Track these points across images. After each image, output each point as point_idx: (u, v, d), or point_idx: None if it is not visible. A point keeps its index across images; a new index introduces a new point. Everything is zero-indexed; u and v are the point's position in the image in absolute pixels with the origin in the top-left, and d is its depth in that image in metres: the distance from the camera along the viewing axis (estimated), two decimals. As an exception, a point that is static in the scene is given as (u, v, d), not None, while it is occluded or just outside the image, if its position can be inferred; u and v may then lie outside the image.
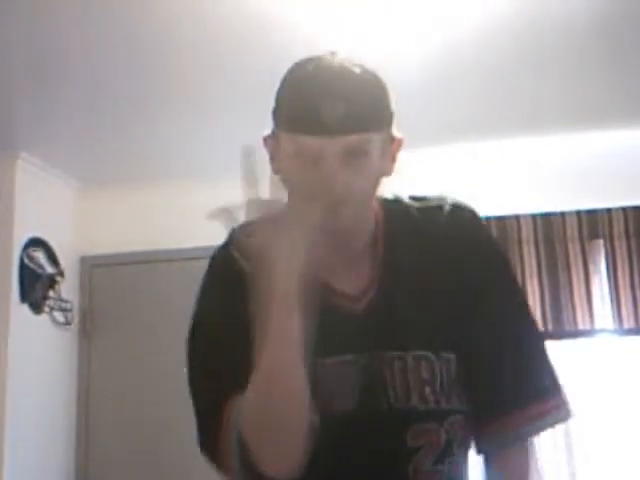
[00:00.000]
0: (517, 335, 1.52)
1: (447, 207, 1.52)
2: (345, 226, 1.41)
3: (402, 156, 1.48)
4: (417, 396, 1.43)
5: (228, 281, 1.46)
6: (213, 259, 1.57)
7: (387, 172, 1.47)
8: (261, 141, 1.48)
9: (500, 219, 3.90)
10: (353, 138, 1.36)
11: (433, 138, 3.80)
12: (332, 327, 1.38)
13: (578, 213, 3.88)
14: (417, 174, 4.02)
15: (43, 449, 3.95)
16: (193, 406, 1.45)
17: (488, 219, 3.89)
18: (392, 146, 1.47)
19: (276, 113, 1.46)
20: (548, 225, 3.90)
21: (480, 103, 3.47)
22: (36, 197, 4.02)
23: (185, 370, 1.48)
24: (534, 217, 3.90)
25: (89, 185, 4.34)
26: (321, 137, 1.36)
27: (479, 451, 1.53)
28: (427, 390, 1.44)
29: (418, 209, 1.53)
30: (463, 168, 4.00)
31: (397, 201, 1.55)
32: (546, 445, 3.72)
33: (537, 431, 1.52)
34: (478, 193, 3.95)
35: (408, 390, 1.43)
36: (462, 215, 1.53)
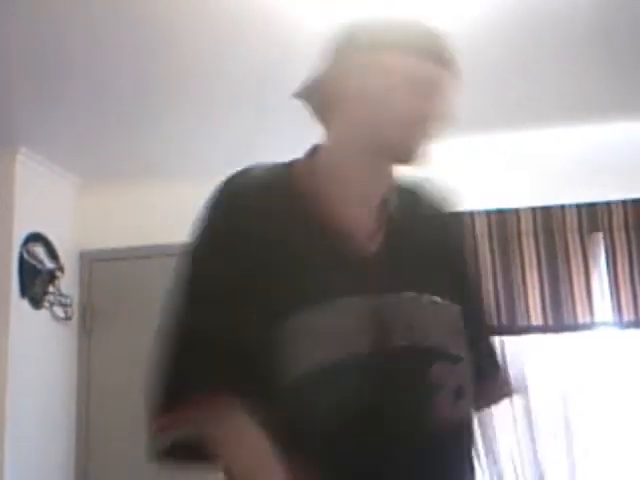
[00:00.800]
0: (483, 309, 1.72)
1: (437, 190, 1.62)
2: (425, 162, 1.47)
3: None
4: (436, 334, 1.44)
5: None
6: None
7: None
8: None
9: (500, 212, 3.90)
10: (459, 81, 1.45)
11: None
12: (341, 266, 1.42)
13: (578, 206, 3.88)
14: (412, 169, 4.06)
15: (43, 444, 3.95)
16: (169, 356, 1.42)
17: (488, 212, 3.90)
18: None
19: (376, 36, 1.43)
20: (548, 218, 3.89)
21: (479, 97, 3.45)
22: (36, 192, 4.02)
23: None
24: (534, 210, 3.89)
25: (89, 180, 4.34)
26: (445, 70, 1.42)
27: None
28: (443, 331, 1.46)
29: (416, 184, 1.60)
30: (462, 161, 3.99)
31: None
32: (546, 437, 3.74)
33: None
34: (478, 186, 4.00)
35: (426, 327, 1.44)
36: (446, 202, 1.62)
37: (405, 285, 1.45)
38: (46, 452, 3.97)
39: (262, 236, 1.41)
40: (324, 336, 1.37)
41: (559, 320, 3.81)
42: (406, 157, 1.46)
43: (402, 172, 1.55)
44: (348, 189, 1.47)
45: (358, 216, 1.47)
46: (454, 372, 1.46)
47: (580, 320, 3.80)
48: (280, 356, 1.38)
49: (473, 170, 3.98)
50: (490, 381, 1.60)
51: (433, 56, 1.40)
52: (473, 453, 1.54)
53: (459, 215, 1.69)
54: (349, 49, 1.44)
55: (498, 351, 1.68)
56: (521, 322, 3.81)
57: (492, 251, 3.90)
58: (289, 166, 1.54)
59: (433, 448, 1.41)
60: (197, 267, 1.50)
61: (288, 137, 3.69)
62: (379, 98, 1.42)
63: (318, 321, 1.38)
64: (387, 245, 1.47)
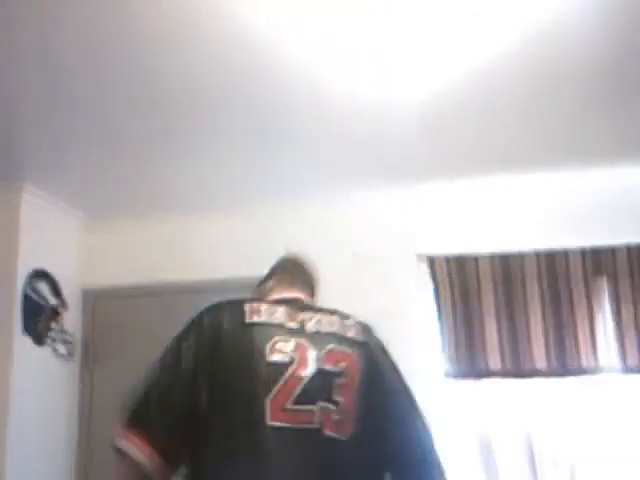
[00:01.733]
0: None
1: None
2: None
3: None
4: None
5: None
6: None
7: None
8: None
9: (503, 257, 3.90)
10: None
11: (434, 175, 3.83)
12: None
13: (582, 251, 3.88)
14: (418, 211, 4.07)
15: (44, 477, 3.93)
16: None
17: (492, 256, 3.90)
18: None
19: None
20: (552, 262, 3.89)
21: (480, 140, 3.48)
22: (40, 229, 4.03)
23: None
24: (537, 255, 3.89)
25: (93, 217, 4.35)
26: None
27: None
28: None
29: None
30: (464, 205, 4.01)
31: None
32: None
33: None
34: (481, 230, 4.01)
35: None
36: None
37: None
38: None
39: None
40: None
41: (563, 364, 3.79)
42: None
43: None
44: None
45: None
46: None
47: (584, 364, 3.78)
48: None
49: (475, 214, 4.00)
50: None
51: None
52: None
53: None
54: None
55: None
56: (525, 366, 3.79)
57: (496, 294, 3.89)
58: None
59: None
60: None
61: (292, 167, 3.74)
62: None
63: None
64: None
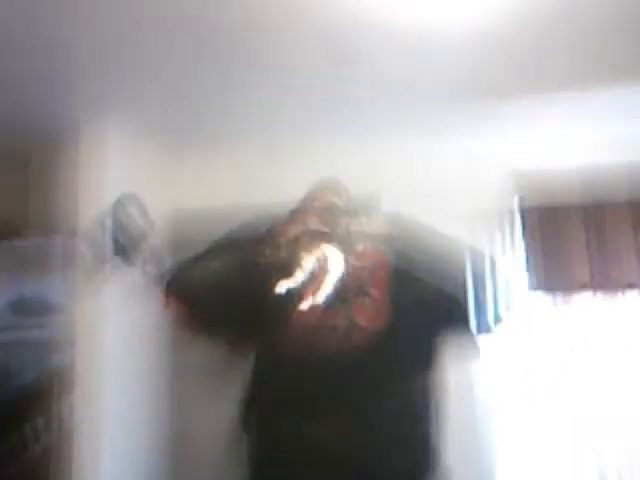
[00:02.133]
0: None
1: None
2: None
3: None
4: None
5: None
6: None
7: None
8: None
9: (591, 168, 3.82)
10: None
11: (519, 92, 3.74)
12: None
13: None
14: (504, 127, 3.99)
15: (137, 396, 4.10)
16: None
17: (579, 168, 3.82)
18: None
19: None
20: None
21: (563, 54, 3.37)
22: (128, 154, 4.10)
23: None
24: (629, 165, 3.80)
25: (180, 141, 4.39)
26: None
27: None
28: None
29: None
30: (549, 120, 3.92)
31: None
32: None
33: None
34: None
35: None
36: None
37: None
38: (142, 402, 4.13)
39: None
40: None
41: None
42: None
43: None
44: None
45: None
46: None
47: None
48: None
49: (562, 127, 3.92)
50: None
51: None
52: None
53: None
54: None
55: None
56: (614, 279, 3.74)
57: (584, 206, 3.83)
58: None
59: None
60: None
61: (372, 93, 3.70)
62: None
63: None
64: None
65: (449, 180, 3.85)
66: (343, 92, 3.65)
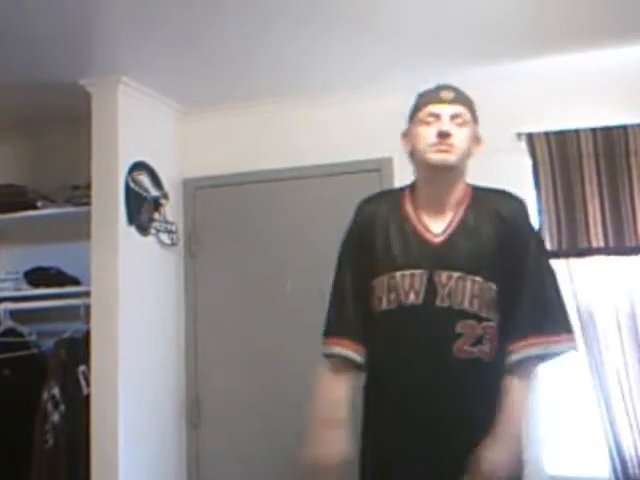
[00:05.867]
0: (540, 283, 2.38)
1: (507, 196, 2.49)
2: (451, 165, 2.36)
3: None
4: (467, 302, 2.33)
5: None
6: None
7: (470, 153, 2.44)
8: None
9: (606, 130, 3.77)
10: (457, 107, 2.39)
11: (531, 52, 3.69)
12: (415, 250, 2.42)
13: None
14: (516, 89, 3.94)
15: (154, 364, 4.11)
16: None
17: (594, 131, 3.78)
18: (475, 142, 2.46)
19: (413, 113, 2.46)
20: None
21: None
22: (138, 121, 4.07)
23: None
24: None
25: (190, 107, 4.36)
26: (440, 106, 2.38)
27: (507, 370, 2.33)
28: (475, 301, 2.34)
29: (491, 193, 2.50)
30: (561, 82, 3.87)
31: (480, 187, 2.51)
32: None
33: (545, 357, 2.36)
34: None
35: (462, 297, 2.34)
36: (513, 203, 2.48)
37: (456, 267, 2.35)
38: (157, 370, 4.13)
39: (375, 230, 2.48)
40: (398, 290, 2.38)
41: (621, 243, 3.71)
42: (444, 162, 2.36)
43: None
44: (426, 203, 2.46)
45: (433, 221, 2.43)
46: (476, 327, 2.33)
47: None
48: (375, 298, 2.44)
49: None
50: (518, 340, 2.34)
51: (435, 100, 2.39)
52: (494, 388, 2.31)
53: (521, 215, 2.47)
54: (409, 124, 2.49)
55: (555, 312, 2.39)
56: (629, 243, 3.71)
57: (598, 169, 3.79)
58: (401, 190, 2.58)
59: (451, 373, 2.32)
60: (340, 246, 2.59)
61: (382, 54, 3.65)
62: (414, 138, 2.44)
63: (397, 281, 2.39)
64: (450, 239, 2.40)
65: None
66: (364, 48, 3.58)
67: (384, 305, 2.40)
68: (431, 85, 2.46)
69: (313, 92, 4.11)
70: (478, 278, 2.33)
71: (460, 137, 2.36)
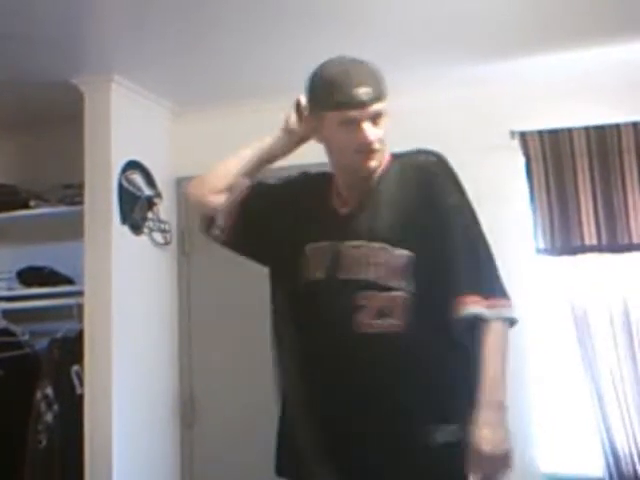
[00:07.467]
0: (471, 241, 2.16)
1: (421, 154, 2.24)
2: (374, 168, 2.20)
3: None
4: (369, 272, 2.15)
5: None
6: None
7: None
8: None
9: (599, 129, 3.79)
10: (377, 105, 2.14)
11: (525, 50, 3.70)
12: (324, 224, 2.28)
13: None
14: (509, 87, 3.96)
15: (148, 363, 4.11)
16: None
17: (587, 129, 3.79)
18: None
19: (318, 100, 2.22)
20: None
21: (569, 11, 3.32)
22: (131, 120, 4.07)
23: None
24: (635, 125, 3.77)
25: (184, 106, 4.36)
26: (359, 109, 2.12)
27: (458, 336, 2.11)
28: (379, 269, 2.15)
29: (406, 155, 2.27)
30: (556, 80, 3.89)
31: (399, 153, 2.29)
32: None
33: (489, 315, 2.07)
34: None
35: (364, 267, 2.16)
36: (427, 159, 2.22)
37: (358, 236, 2.19)
38: (151, 369, 4.13)
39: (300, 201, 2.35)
40: (307, 264, 2.25)
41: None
42: (369, 168, 2.20)
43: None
44: (344, 185, 2.29)
45: (346, 195, 2.28)
46: (377, 298, 2.14)
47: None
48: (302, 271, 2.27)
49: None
50: (456, 299, 2.09)
51: (354, 105, 2.11)
52: (413, 360, 2.13)
53: (438, 168, 2.21)
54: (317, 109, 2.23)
55: (487, 275, 2.15)
56: (622, 240, 3.72)
57: (591, 168, 3.80)
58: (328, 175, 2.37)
59: (355, 349, 2.14)
60: None
61: (376, 52, 3.65)
62: (330, 135, 2.21)
63: (308, 254, 2.26)
64: (358, 209, 2.24)
65: (453, 137, 3.80)
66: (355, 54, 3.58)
67: (301, 280, 2.27)
68: (340, 67, 2.21)
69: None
70: (383, 245, 2.14)
71: (381, 136, 2.17)
